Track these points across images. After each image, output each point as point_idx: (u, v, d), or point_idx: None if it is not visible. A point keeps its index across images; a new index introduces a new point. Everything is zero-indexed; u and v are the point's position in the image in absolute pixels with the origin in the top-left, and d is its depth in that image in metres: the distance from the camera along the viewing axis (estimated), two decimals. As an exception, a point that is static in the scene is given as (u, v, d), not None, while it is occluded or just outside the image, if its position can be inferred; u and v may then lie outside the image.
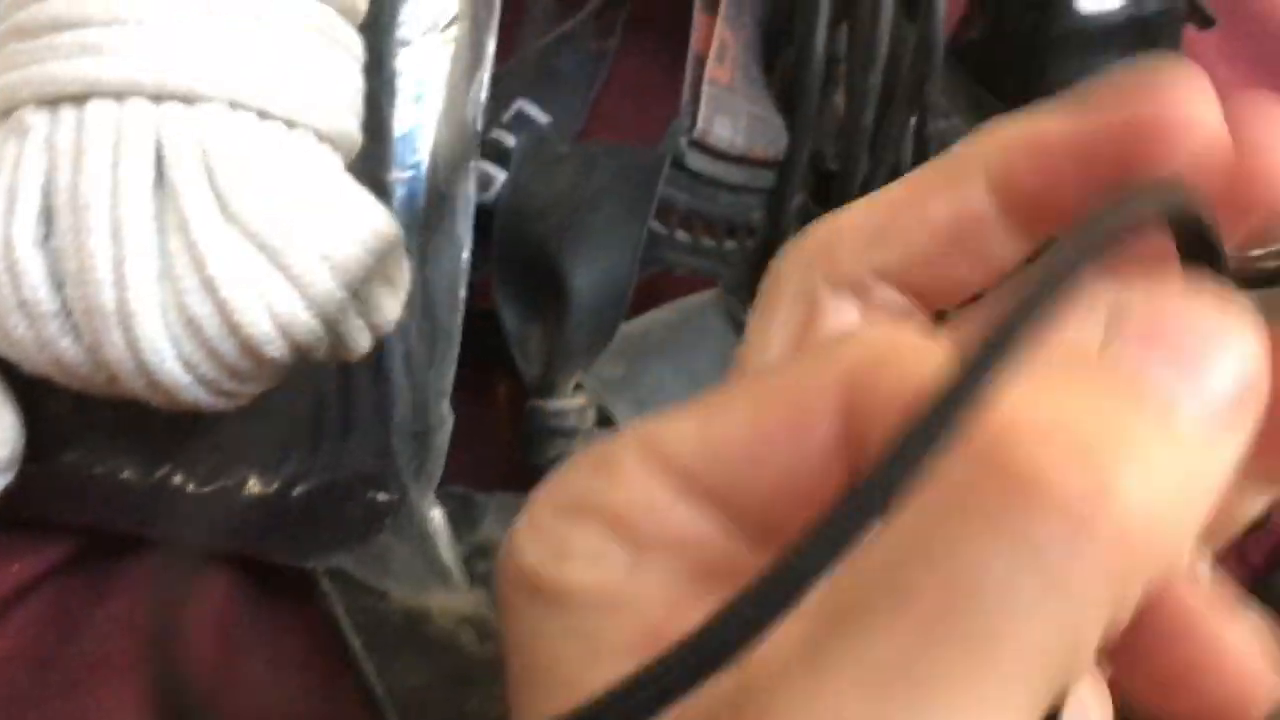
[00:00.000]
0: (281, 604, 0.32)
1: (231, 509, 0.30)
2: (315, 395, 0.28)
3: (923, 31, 0.37)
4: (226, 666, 0.31)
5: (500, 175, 0.37)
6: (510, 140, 0.39)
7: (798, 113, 0.38)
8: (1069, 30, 0.41)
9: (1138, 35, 0.42)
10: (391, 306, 0.26)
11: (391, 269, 0.26)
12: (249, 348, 0.24)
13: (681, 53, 0.38)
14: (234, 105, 0.24)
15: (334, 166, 0.26)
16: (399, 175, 0.29)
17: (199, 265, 0.23)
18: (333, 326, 0.24)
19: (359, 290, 0.24)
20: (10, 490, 0.28)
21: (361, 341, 0.25)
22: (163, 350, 0.24)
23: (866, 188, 0.39)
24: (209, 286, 0.23)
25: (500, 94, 0.39)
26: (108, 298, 0.23)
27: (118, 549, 0.32)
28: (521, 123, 0.40)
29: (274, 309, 0.24)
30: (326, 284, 0.24)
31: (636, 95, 0.43)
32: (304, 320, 0.24)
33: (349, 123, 0.26)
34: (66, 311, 0.23)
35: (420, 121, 0.29)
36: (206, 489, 0.29)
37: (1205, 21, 0.44)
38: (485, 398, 0.38)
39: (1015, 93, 0.42)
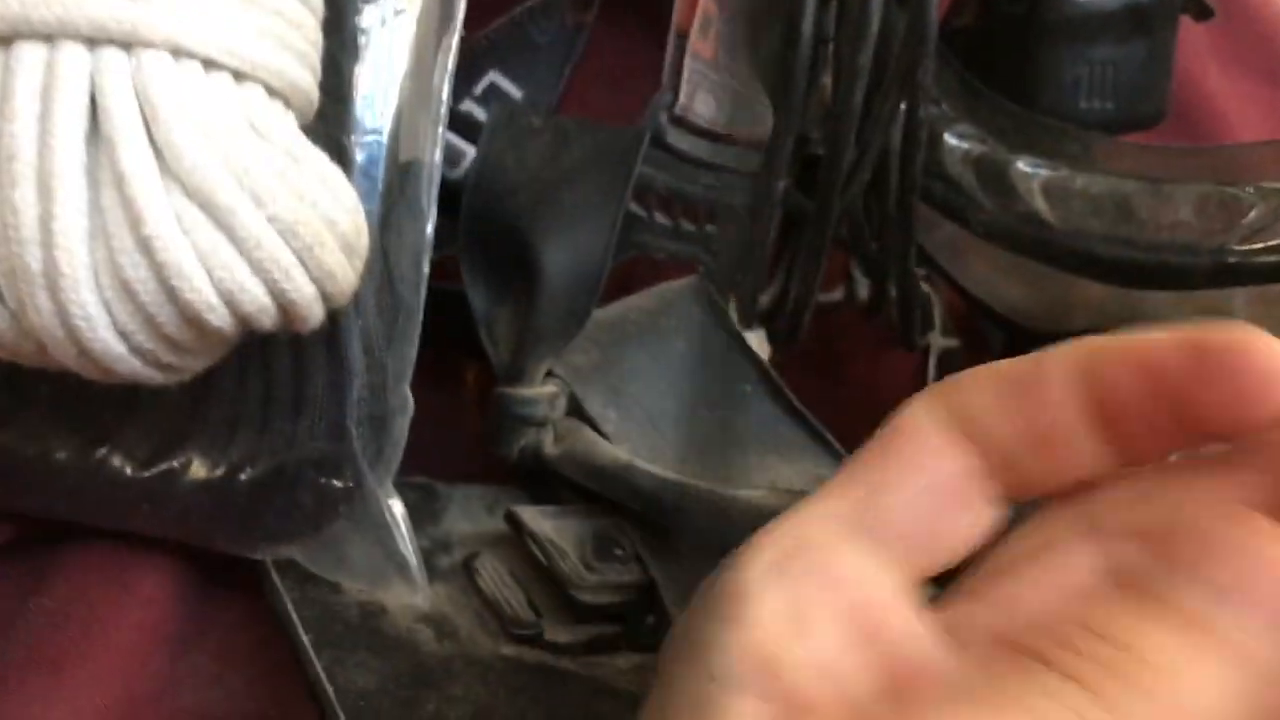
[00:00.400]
0: (228, 596, 0.30)
1: (174, 494, 0.28)
2: (265, 371, 0.27)
3: (914, 14, 0.36)
4: (168, 661, 0.29)
5: (470, 150, 0.36)
6: (481, 114, 0.37)
7: (784, 93, 0.37)
8: (1063, 17, 0.40)
9: (1133, 24, 0.41)
10: (348, 276, 0.24)
11: (349, 235, 0.24)
12: (189, 315, 0.22)
13: (661, 31, 0.36)
14: (177, 53, 0.22)
15: (287, 124, 0.24)
16: (359, 139, 0.27)
17: (135, 224, 0.21)
18: (280, 295, 0.22)
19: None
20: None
21: (314, 312, 0.24)
22: (94, 316, 0.22)
23: (853, 173, 0.37)
24: (145, 247, 0.21)
25: (472, 66, 0.38)
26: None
27: (53, 537, 0.30)
28: (493, 96, 0.38)
29: (216, 273, 0.22)
30: (274, 248, 0.22)
31: (613, 74, 0.41)
32: (249, 287, 0.22)
33: (304, 79, 0.24)
34: (-11, 272, 0.22)
35: (383, 83, 0.27)
36: (147, 472, 0.28)
37: (1203, 12, 0.43)
38: (453, 383, 0.36)
39: (1008, 80, 0.41)
